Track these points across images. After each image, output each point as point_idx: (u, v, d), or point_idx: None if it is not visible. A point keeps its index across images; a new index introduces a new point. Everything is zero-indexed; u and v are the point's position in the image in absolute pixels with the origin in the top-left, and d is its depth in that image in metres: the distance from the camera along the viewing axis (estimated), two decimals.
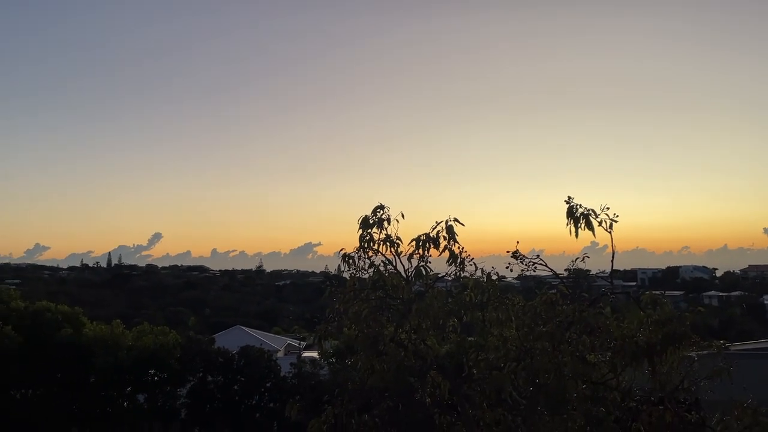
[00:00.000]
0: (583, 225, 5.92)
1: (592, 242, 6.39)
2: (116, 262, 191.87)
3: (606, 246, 6.23)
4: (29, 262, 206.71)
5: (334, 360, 21.12)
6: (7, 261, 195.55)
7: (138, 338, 21.39)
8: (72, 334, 20.61)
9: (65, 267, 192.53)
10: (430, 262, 6.73)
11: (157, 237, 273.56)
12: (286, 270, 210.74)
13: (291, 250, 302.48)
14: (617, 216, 5.92)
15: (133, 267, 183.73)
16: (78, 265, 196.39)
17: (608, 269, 6.57)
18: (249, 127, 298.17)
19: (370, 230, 6.82)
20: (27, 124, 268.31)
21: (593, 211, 5.93)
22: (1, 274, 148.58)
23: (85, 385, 20.62)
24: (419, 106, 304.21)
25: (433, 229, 6.55)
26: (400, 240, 6.81)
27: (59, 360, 20.12)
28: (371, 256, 6.89)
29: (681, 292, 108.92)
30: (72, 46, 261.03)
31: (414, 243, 6.62)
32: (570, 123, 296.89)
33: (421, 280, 6.84)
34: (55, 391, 20.79)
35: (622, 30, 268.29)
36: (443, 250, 6.54)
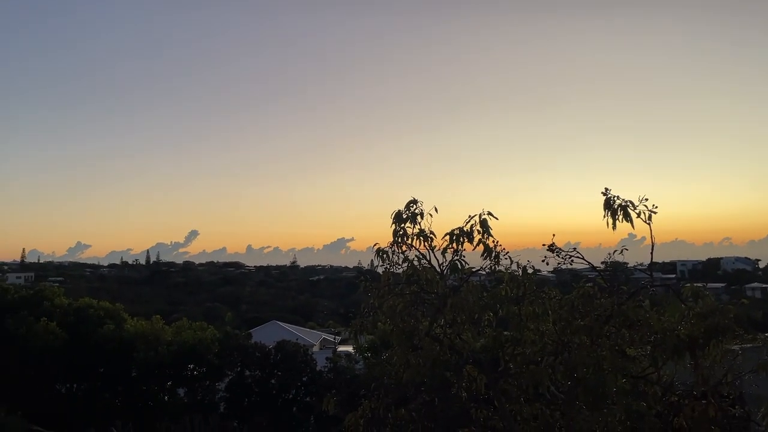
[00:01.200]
0: (620, 217, 5.81)
1: (629, 234, 6.28)
2: (154, 260, 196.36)
3: (644, 238, 6.12)
4: (71, 260, 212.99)
5: (369, 354, 21.21)
6: (50, 259, 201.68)
7: (177, 333, 21.79)
8: (114, 330, 21.12)
9: (106, 264, 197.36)
10: (464, 257, 6.70)
11: (193, 234, 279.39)
12: (320, 265, 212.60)
13: (324, 245, 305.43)
14: (656, 207, 5.81)
15: (171, 264, 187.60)
16: (118, 262, 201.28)
17: (646, 262, 6.44)
18: (281, 124, 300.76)
19: (403, 225, 6.82)
20: (65, 126, 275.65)
21: (631, 202, 5.82)
22: (45, 272, 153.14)
23: (127, 380, 21.11)
24: (450, 99, 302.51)
25: (467, 222, 6.51)
26: (434, 234, 6.79)
27: (102, 355, 20.64)
28: (405, 250, 6.89)
29: (722, 284, 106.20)
30: (105, 40, 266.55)
31: (448, 237, 6.60)
32: (605, 114, 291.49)
33: (455, 275, 6.82)
34: (98, 385, 21.33)
35: (654, 24, 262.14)
36: (477, 244, 6.50)
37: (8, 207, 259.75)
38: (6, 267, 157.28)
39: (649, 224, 5.83)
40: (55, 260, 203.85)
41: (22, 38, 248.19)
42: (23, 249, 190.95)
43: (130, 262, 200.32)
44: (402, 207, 6.83)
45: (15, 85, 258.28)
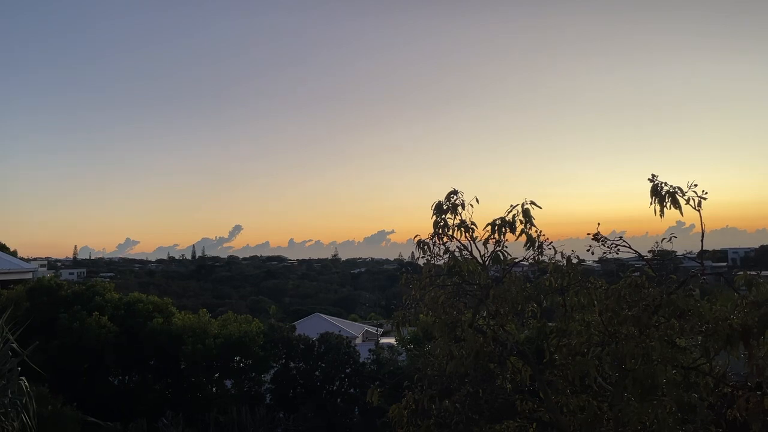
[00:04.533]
0: (668, 204, 5.63)
1: (677, 222, 6.09)
2: (200, 255, 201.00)
3: (693, 225, 5.92)
4: (121, 256, 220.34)
5: (411, 346, 21.22)
6: (100, 256, 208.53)
7: (223, 326, 22.14)
8: (163, 324, 21.60)
9: (153, 260, 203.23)
10: (506, 247, 6.63)
11: (237, 229, 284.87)
12: (361, 258, 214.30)
13: (365, 238, 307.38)
14: (706, 193, 5.61)
15: (216, 258, 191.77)
16: (165, 257, 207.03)
17: (696, 250, 6.24)
18: (319, 119, 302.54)
19: (444, 216, 6.78)
20: (115, 127, 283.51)
21: (679, 188, 5.63)
22: (96, 268, 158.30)
23: (176, 372, 21.61)
24: (490, 90, 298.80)
25: (509, 212, 6.43)
26: (475, 225, 6.73)
27: (152, 348, 21.16)
28: (446, 241, 6.86)
29: None
30: (150, 40, 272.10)
31: (489, 228, 6.53)
32: (650, 99, 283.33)
33: (497, 266, 6.75)
34: (149, 377, 21.88)
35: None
36: (520, 234, 6.42)
37: (61, 207, 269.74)
38: (60, 264, 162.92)
39: (698, 211, 5.64)
40: (106, 256, 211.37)
41: (88, 41, 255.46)
42: (75, 246, 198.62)
43: (176, 258, 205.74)
44: (442, 198, 6.80)
45: (67, 86, 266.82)
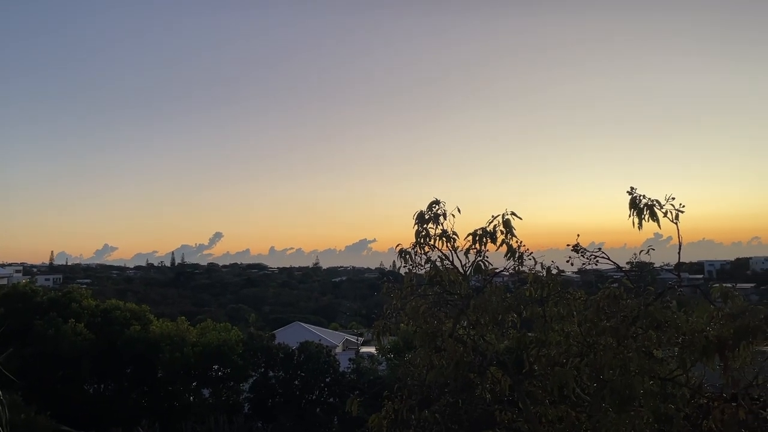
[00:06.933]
0: (647, 216, 5.72)
1: (655, 234, 6.18)
2: (179, 262, 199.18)
3: (670, 238, 6.01)
4: (98, 262, 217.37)
5: (392, 356, 21.19)
6: (78, 262, 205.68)
7: (202, 335, 21.97)
8: (140, 331, 21.37)
9: (132, 266, 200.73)
10: (487, 257, 6.66)
11: (217, 236, 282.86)
12: (342, 266, 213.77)
13: (346, 246, 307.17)
14: (683, 206, 5.70)
15: (196, 266, 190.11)
16: (144, 264, 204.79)
17: (673, 262, 6.33)
18: (303, 127, 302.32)
19: (425, 225, 6.80)
20: (94, 133, 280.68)
21: (657, 201, 5.72)
22: (73, 274, 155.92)
23: (153, 380, 21.35)
24: (471, 99, 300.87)
25: (490, 223, 6.47)
26: (457, 235, 6.76)
27: (129, 356, 20.90)
28: (427, 251, 6.88)
29: (752, 285, 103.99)
30: (134, 44, 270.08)
31: (470, 238, 6.56)
32: (630, 113, 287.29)
33: (478, 275, 6.78)
34: (125, 385, 21.61)
35: (683, 20, 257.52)
36: (501, 245, 6.46)
37: (37, 211, 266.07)
38: (35, 269, 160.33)
39: (676, 224, 5.73)
40: (83, 262, 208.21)
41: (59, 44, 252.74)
42: (52, 252, 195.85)
43: (155, 264, 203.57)
44: (424, 208, 6.82)
45: (45, 90, 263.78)
